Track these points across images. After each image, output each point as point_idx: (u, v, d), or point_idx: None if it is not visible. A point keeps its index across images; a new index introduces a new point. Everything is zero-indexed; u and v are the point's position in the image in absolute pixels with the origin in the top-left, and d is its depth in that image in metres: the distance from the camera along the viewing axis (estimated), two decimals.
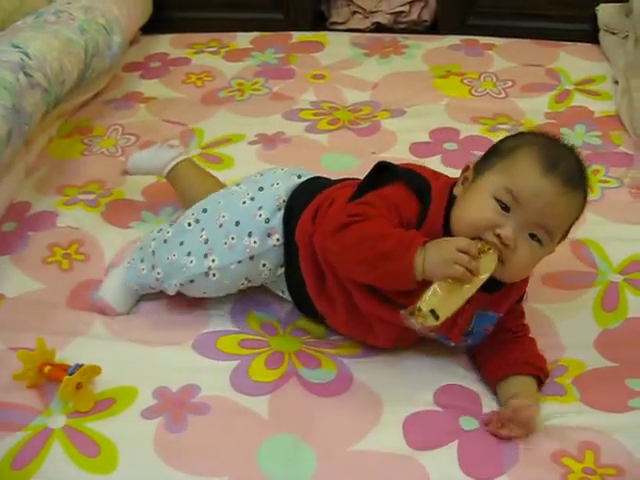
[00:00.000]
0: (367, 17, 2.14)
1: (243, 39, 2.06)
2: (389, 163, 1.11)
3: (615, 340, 1.17)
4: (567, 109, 1.74)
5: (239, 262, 1.14)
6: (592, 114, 1.72)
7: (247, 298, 1.23)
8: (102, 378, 1.07)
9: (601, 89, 1.80)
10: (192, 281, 1.16)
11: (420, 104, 1.75)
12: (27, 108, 1.44)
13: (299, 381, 1.08)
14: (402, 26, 2.14)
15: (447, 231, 1.04)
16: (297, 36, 2.06)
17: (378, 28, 2.12)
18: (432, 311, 0.96)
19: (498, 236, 0.99)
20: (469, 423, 1.03)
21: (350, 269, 1.06)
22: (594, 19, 2.01)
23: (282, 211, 1.15)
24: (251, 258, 1.14)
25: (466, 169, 1.08)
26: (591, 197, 1.40)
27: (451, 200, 1.06)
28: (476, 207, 1.01)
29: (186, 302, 1.22)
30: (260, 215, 1.15)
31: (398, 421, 1.02)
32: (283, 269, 1.16)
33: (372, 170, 1.11)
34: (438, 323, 0.97)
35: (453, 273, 0.96)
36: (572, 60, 1.92)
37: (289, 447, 0.99)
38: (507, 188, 1.00)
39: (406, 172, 1.09)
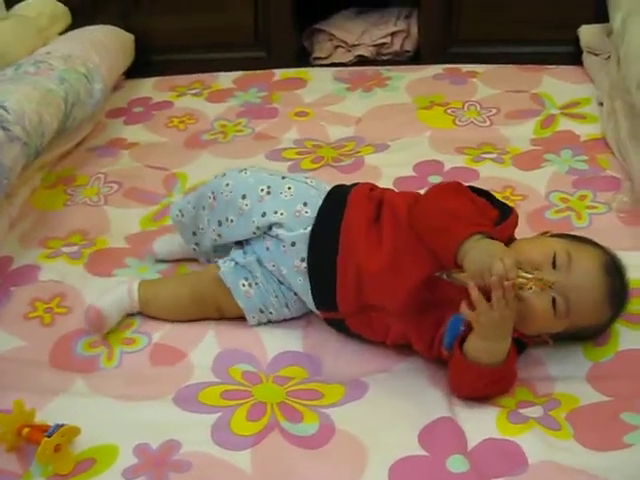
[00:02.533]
0: (350, 50, 2.14)
1: (226, 79, 2.05)
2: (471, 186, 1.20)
3: (607, 373, 1.14)
4: (553, 134, 1.72)
5: (270, 175, 1.28)
6: (578, 138, 1.70)
7: (230, 349, 1.21)
8: (82, 436, 1.05)
9: (586, 112, 1.78)
10: (224, 175, 1.29)
11: (404, 137, 1.74)
12: (6, 162, 1.44)
13: (281, 433, 1.06)
14: (385, 57, 2.14)
15: None
16: (280, 73, 2.05)
17: (361, 61, 2.12)
18: None
19: (538, 278, 1.04)
20: (456, 464, 1.00)
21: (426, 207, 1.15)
22: (577, 41, 2.00)
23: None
24: (282, 178, 1.26)
25: (544, 232, 1.18)
26: (579, 224, 1.43)
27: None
28: (535, 247, 1.11)
29: (168, 355, 1.20)
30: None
31: (383, 471, 1.00)
32: (308, 230, 1.19)
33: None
34: None
35: (479, 280, 1.01)
36: (556, 84, 1.90)
37: None
38: (569, 252, 1.08)
39: (488, 193, 1.20)
